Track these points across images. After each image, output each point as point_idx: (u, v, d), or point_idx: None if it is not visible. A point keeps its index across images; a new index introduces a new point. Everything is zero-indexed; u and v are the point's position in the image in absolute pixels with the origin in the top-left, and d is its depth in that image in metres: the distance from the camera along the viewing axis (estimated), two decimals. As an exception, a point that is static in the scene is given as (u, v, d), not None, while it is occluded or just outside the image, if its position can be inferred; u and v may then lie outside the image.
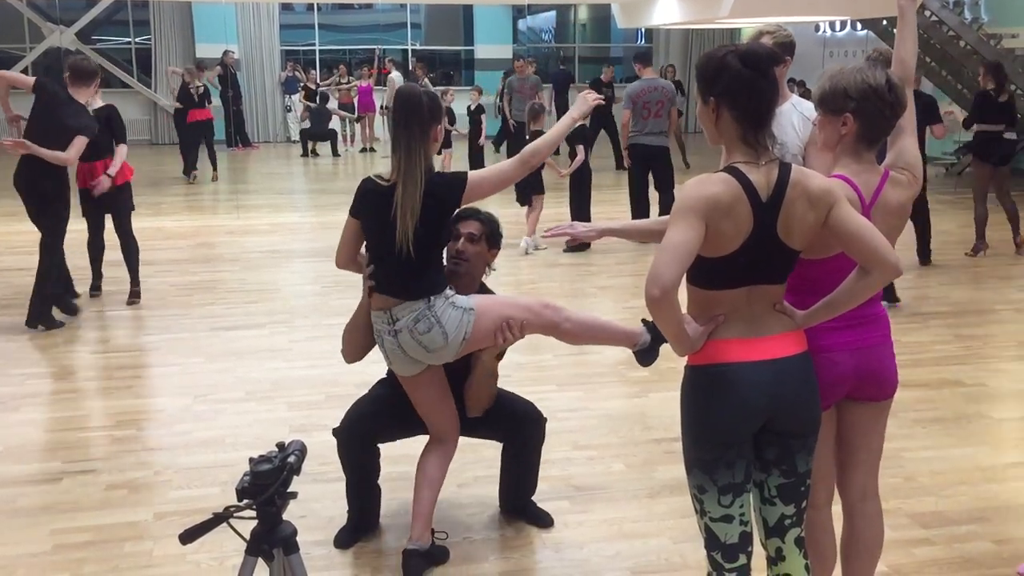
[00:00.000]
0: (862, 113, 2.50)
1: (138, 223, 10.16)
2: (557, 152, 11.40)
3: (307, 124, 17.19)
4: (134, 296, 6.94)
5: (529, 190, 8.69)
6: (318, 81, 17.94)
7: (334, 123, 17.14)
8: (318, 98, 16.99)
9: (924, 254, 8.14)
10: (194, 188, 13.15)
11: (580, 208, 8.95)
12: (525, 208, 8.92)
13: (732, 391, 2.32)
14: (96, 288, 7.11)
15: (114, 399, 5.09)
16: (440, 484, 3.41)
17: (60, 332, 6.18)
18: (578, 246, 8.48)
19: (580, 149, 8.77)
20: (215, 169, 13.91)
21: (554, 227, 3.11)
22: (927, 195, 8.21)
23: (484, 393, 3.41)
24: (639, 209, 8.99)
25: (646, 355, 3.38)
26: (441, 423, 3.42)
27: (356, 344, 3.41)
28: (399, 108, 3.12)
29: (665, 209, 8.51)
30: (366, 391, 3.63)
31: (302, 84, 17.81)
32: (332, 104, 17.18)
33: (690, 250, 2.19)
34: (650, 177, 9.02)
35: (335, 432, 3.50)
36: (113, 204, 6.80)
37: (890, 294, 6.61)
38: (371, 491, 3.56)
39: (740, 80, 2.26)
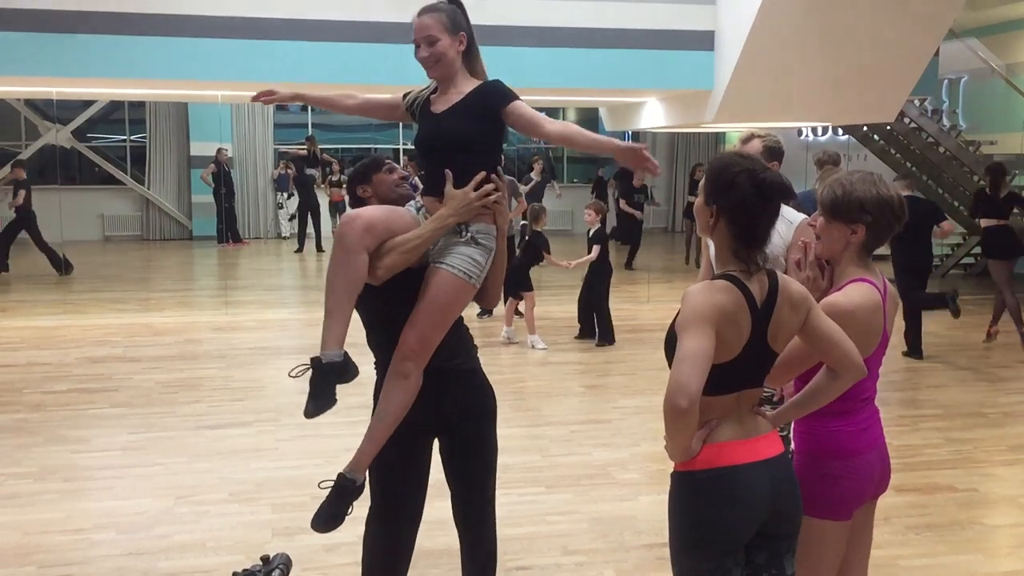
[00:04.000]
0: (875, 225, 2.59)
1: (126, 319, 10.20)
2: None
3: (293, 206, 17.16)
4: None
5: (516, 287, 8.74)
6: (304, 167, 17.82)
7: (324, 220, 17.16)
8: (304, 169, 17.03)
9: (915, 349, 8.46)
10: (183, 284, 13.17)
11: (587, 310, 9.09)
12: (509, 301, 8.94)
13: (736, 493, 2.30)
14: None
15: (93, 500, 4.97)
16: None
17: (41, 431, 6.09)
18: (592, 335, 8.96)
19: (595, 248, 8.87)
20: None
21: None
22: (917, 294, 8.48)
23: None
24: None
25: (319, 390, 2.81)
26: None
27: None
28: None
29: None
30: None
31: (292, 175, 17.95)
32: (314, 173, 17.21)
33: (709, 358, 2.18)
34: None
35: None
36: None
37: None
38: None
39: (746, 205, 2.29)
